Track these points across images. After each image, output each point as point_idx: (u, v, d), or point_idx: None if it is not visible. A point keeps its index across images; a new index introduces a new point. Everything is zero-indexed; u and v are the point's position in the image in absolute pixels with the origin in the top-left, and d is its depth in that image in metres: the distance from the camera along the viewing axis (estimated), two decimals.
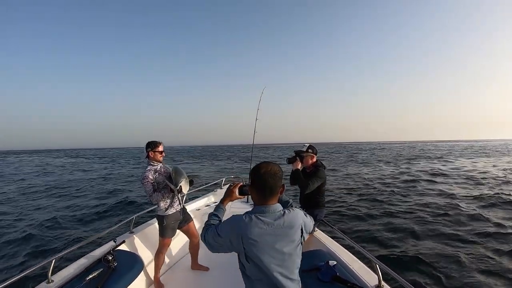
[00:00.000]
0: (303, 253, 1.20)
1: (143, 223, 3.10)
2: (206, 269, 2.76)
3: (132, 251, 2.49)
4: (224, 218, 1.26)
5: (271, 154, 40.50)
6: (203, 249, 2.65)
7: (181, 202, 2.53)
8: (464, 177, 12.39)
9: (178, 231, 2.63)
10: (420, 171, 14.99)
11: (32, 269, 1.83)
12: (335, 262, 1.95)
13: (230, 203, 1.37)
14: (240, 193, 1.34)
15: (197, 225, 3.27)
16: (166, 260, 2.80)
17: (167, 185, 2.39)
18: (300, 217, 1.15)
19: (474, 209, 6.61)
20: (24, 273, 1.78)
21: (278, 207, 1.13)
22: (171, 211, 2.45)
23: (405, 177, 12.48)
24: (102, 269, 2.00)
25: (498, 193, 8.28)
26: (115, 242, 2.42)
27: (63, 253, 2.09)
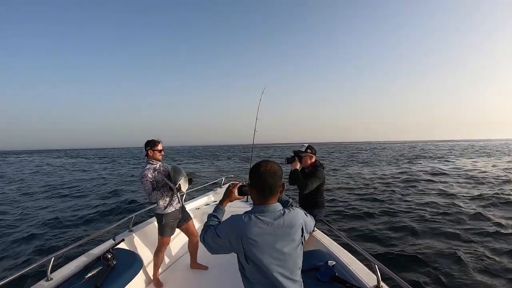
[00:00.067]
0: None
1: (143, 221, 3.10)
2: (205, 268, 2.76)
3: (131, 250, 2.50)
4: (223, 218, 1.25)
5: (271, 154, 40.50)
6: (202, 248, 2.65)
7: (180, 200, 2.53)
8: (465, 176, 12.38)
9: (177, 230, 2.63)
10: (421, 170, 14.97)
11: (31, 267, 1.84)
12: (334, 262, 1.95)
13: (229, 203, 1.36)
14: (239, 194, 1.32)
15: (197, 224, 3.27)
16: (165, 258, 2.80)
17: (166, 184, 2.39)
18: (301, 217, 1.13)
19: (474, 209, 6.61)
20: (23, 271, 1.78)
21: (278, 206, 1.11)
22: (170, 209, 2.45)
23: (406, 177, 12.47)
24: (101, 267, 2.01)
25: (498, 193, 8.27)
26: (114, 240, 2.42)
27: (62, 251, 2.09)
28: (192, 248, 2.74)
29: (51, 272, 1.94)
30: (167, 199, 2.44)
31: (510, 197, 7.73)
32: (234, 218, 1.10)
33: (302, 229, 1.11)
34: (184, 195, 2.62)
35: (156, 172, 2.41)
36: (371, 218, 6.14)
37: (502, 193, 8.24)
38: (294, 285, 1.08)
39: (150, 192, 2.33)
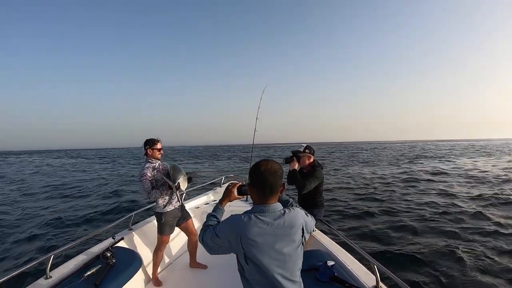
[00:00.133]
0: None
1: (142, 220, 3.11)
2: (205, 267, 2.76)
3: (130, 248, 2.50)
4: (223, 218, 1.24)
5: (271, 154, 40.51)
6: (201, 247, 2.65)
7: (179, 199, 2.53)
8: (465, 176, 12.38)
9: (177, 229, 2.64)
10: (421, 170, 14.97)
11: (30, 265, 1.84)
12: (333, 262, 1.95)
13: (228, 203, 1.35)
14: (239, 193, 1.31)
15: (196, 223, 3.27)
16: (165, 257, 2.81)
17: (165, 182, 2.39)
18: (301, 217, 1.12)
19: (474, 208, 6.60)
20: (23, 269, 1.78)
21: (278, 206, 1.09)
22: (170, 208, 2.45)
23: (406, 176, 12.47)
24: (100, 266, 2.01)
25: (498, 193, 8.27)
26: (113, 239, 2.42)
27: (61, 249, 2.10)
28: (191, 247, 2.75)
29: (50, 270, 1.94)
30: (167, 197, 2.44)
31: (510, 197, 7.73)
32: (234, 218, 1.09)
33: (303, 229, 1.10)
34: (184, 194, 2.62)
35: (155, 171, 2.41)
36: (371, 218, 6.14)
37: (502, 193, 8.24)
38: (294, 286, 1.07)
39: (149, 190, 2.33)
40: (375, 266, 1.76)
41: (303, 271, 1.15)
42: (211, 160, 32.26)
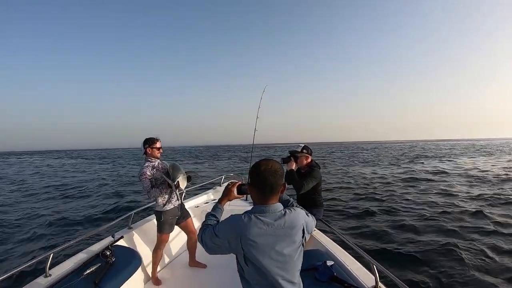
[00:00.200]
0: None
1: (142, 219, 3.11)
2: (204, 266, 2.77)
3: (130, 247, 2.50)
4: (222, 217, 1.22)
5: (271, 154, 40.47)
6: (201, 246, 2.66)
7: (179, 198, 2.53)
8: (465, 175, 12.37)
9: (176, 228, 2.64)
10: (422, 170, 14.97)
11: (30, 263, 1.84)
12: (332, 262, 1.94)
13: (228, 202, 1.33)
14: (238, 192, 1.30)
15: (196, 222, 3.27)
16: (164, 256, 2.81)
17: (165, 181, 2.39)
18: (302, 217, 1.10)
19: (474, 208, 6.59)
20: (22, 267, 1.78)
21: (279, 206, 1.08)
22: (169, 206, 2.46)
23: (406, 176, 12.47)
24: (100, 264, 2.01)
25: (498, 192, 8.26)
26: (113, 237, 2.43)
27: (61, 247, 2.10)
28: (190, 246, 2.75)
29: (49, 269, 1.94)
30: (166, 196, 2.45)
31: (510, 196, 7.72)
32: (234, 217, 1.07)
33: (303, 230, 1.08)
34: (184, 193, 2.62)
35: (154, 170, 2.42)
36: (370, 218, 6.14)
37: (502, 192, 8.23)
38: (294, 287, 1.06)
39: (148, 189, 2.34)
40: (374, 266, 1.76)
41: (302, 271, 1.14)
42: (211, 160, 32.25)
